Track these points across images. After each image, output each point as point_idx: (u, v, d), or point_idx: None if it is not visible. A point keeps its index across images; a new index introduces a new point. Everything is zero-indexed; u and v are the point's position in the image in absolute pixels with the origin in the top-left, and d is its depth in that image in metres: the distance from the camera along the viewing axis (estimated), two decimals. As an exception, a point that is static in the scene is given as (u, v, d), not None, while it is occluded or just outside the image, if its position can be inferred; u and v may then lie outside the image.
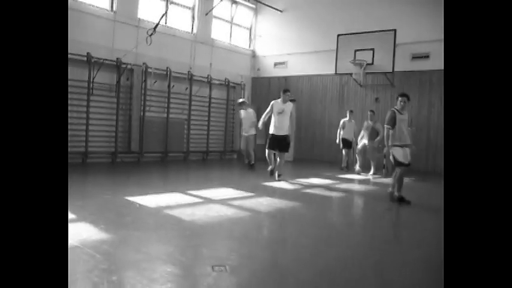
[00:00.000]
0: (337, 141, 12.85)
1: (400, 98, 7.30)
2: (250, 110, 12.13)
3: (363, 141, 11.98)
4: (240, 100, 12.56)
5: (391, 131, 7.20)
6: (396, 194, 7.35)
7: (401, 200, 7.27)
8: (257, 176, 10.47)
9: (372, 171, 11.96)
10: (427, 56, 13.21)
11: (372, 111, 12.05)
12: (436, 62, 12.95)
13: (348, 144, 12.72)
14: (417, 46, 13.30)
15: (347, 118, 12.72)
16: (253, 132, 12.01)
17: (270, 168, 10.23)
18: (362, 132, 12.11)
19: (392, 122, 7.20)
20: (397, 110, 7.25)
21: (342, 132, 12.71)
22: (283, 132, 9.71)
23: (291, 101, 10.05)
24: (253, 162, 11.94)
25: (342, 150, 12.90)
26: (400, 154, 7.20)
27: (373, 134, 11.76)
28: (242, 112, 12.21)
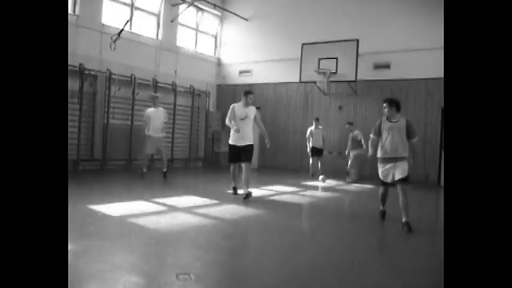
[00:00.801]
0: (308, 150, 13.03)
1: (383, 104, 6.33)
2: (161, 109, 10.92)
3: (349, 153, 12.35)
4: (153, 94, 11.38)
5: (371, 141, 6.51)
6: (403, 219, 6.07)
7: (382, 216, 6.74)
8: (222, 184, 10.46)
9: (350, 179, 12.26)
10: (388, 66, 13.57)
11: (349, 123, 12.57)
12: (397, 72, 13.35)
13: (317, 152, 12.86)
14: (379, 56, 13.64)
15: (313, 126, 12.90)
16: (162, 134, 10.85)
17: (232, 186, 8.66)
18: (348, 144, 12.45)
19: (376, 131, 6.28)
20: (386, 117, 6.28)
21: (311, 141, 12.87)
22: (247, 141, 8.19)
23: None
24: (165, 169, 10.94)
25: (310, 158, 13.06)
26: (379, 170, 6.29)
27: (354, 143, 12.21)
28: (151, 110, 10.72)
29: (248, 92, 8.56)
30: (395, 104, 6.23)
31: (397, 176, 6.02)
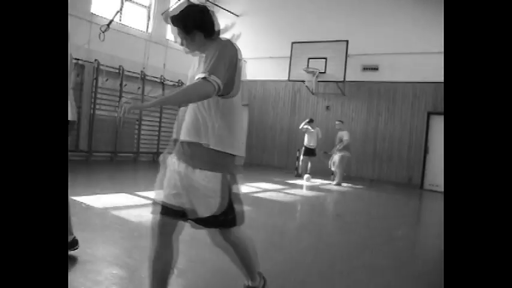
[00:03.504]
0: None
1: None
2: None
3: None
4: None
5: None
6: None
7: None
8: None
9: (336, 181, 12.12)
10: (376, 68, 13.66)
11: (339, 121, 12.35)
12: (385, 74, 13.46)
13: (310, 152, 12.69)
14: (367, 58, 13.73)
15: (308, 126, 12.75)
16: None
17: None
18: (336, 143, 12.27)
19: None
20: None
21: (305, 140, 12.76)
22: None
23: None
24: None
25: (300, 157, 12.98)
26: None
27: (339, 143, 12.03)
28: None
29: None
30: None
31: None
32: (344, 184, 11.99)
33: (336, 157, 11.98)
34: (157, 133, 14.77)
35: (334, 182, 11.95)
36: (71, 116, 3.87)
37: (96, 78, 12.46)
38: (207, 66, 2.36)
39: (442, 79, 11.91)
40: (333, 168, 12.11)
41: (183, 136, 2.56)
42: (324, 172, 13.16)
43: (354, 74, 13.64)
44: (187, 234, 5.02)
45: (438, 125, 12.62)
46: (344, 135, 11.94)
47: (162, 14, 2.69)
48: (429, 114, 12.76)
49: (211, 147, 2.44)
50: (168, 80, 14.94)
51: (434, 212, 9.51)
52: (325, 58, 13.41)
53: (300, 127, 12.90)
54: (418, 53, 12.69)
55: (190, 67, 2.77)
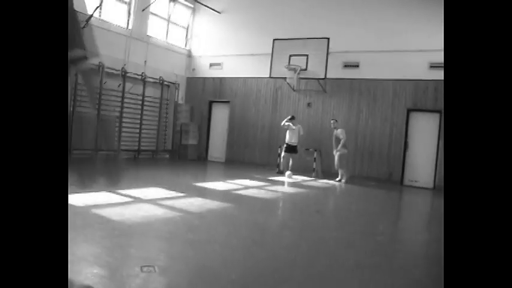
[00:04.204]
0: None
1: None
2: None
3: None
4: None
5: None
6: None
7: None
8: (189, 176, 10.43)
9: (339, 178, 12.15)
10: (357, 65, 13.77)
11: (334, 119, 12.43)
12: (365, 71, 13.57)
13: (291, 149, 12.61)
14: (348, 55, 13.82)
15: (290, 123, 12.69)
16: None
17: None
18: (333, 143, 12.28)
19: None
20: None
21: (287, 137, 12.76)
22: None
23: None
24: None
25: (282, 153, 12.98)
26: None
27: (336, 142, 12.06)
28: None
29: None
30: None
31: None
32: (325, 180, 12.07)
33: (336, 157, 12.03)
34: (138, 131, 14.65)
35: (343, 181, 11.98)
36: None
37: (76, 75, 12.27)
38: None
39: (421, 76, 12.10)
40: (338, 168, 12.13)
41: None
42: (305, 169, 13.24)
43: (335, 71, 13.71)
44: (168, 232, 5.04)
45: (417, 122, 12.79)
46: (340, 133, 11.98)
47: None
48: (409, 111, 12.92)
49: None
50: (149, 77, 14.83)
51: (413, 207, 9.65)
52: (307, 55, 13.45)
53: (282, 124, 12.93)
54: (398, 51, 12.83)
55: None
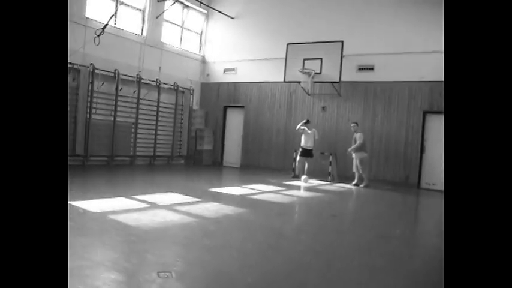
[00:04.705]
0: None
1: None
2: None
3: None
4: None
5: None
6: None
7: None
8: (204, 182, 10.44)
9: (355, 181, 12.09)
10: (371, 68, 13.68)
11: (354, 123, 12.42)
12: (380, 74, 13.47)
13: (307, 153, 12.64)
14: (363, 58, 13.75)
15: (305, 127, 12.70)
16: None
17: None
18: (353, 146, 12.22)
19: None
20: None
21: (302, 141, 12.73)
22: None
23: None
24: None
25: (297, 157, 12.96)
26: None
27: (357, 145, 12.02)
28: None
29: None
30: None
31: None
32: (341, 184, 12.00)
33: (356, 161, 11.97)
34: (153, 137, 14.74)
35: (362, 185, 11.91)
36: None
37: (92, 82, 12.44)
38: None
39: (437, 78, 11.94)
40: (356, 172, 12.06)
41: None
42: (320, 173, 13.17)
43: (350, 75, 13.65)
44: (184, 237, 5.04)
45: (434, 124, 12.64)
46: (358, 137, 11.93)
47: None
48: (425, 113, 12.78)
49: None
50: (163, 83, 14.93)
51: (431, 210, 9.53)
52: (321, 59, 13.41)
53: (297, 128, 12.90)
54: (413, 53, 12.72)
55: None
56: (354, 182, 12.07)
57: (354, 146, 11.91)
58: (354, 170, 12.18)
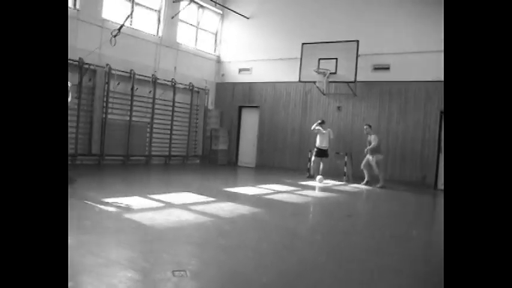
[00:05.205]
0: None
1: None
2: None
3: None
4: None
5: None
6: None
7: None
8: (220, 181, 10.46)
9: (379, 184, 11.94)
10: (387, 68, 13.57)
11: (367, 125, 12.30)
12: (396, 74, 13.35)
13: (322, 153, 12.59)
14: (378, 57, 13.65)
15: (320, 127, 12.68)
16: None
17: None
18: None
19: None
20: None
21: (317, 141, 12.70)
22: None
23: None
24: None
25: (312, 158, 12.93)
26: None
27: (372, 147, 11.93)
28: None
29: None
30: None
31: None
32: (356, 184, 11.93)
33: (372, 162, 11.90)
34: (168, 136, 14.82)
35: (378, 186, 11.80)
36: None
37: (108, 83, 12.56)
38: None
39: (454, 78, 11.81)
40: (365, 170, 12.01)
41: None
42: (335, 173, 13.11)
43: (365, 74, 13.56)
44: (199, 237, 5.05)
45: (451, 124, 12.46)
46: (373, 139, 11.83)
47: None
48: (442, 113, 12.63)
49: None
50: (179, 83, 15.00)
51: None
52: (336, 59, 13.33)
53: (312, 128, 12.86)
54: (429, 52, 12.56)
55: None
56: (364, 181, 12.00)
57: (369, 147, 11.83)
58: (362, 167, 12.11)
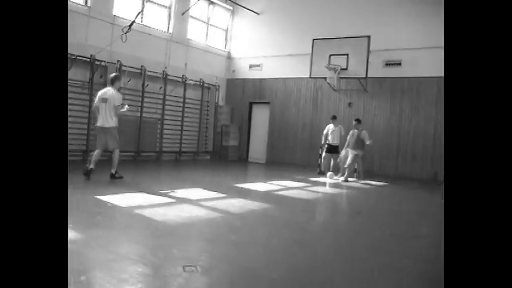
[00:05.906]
0: (323, 146, 12.81)
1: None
2: (113, 92, 8.72)
3: (347, 149, 11.95)
4: (113, 75, 9.12)
5: None
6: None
7: None
8: (230, 177, 10.46)
9: (341, 174, 12.01)
10: (399, 64, 13.47)
11: (357, 120, 12.12)
12: (407, 70, 13.25)
13: (333, 149, 12.50)
14: (390, 53, 13.55)
15: (331, 124, 12.61)
16: (113, 124, 8.86)
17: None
18: (348, 140, 12.05)
19: None
20: None
21: (328, 138, 12.62)
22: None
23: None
24: (113, 170, 8.82)
25: (323, 154, 12.88)
26: None
27: (358, 142, 11.72)
28: (106, 92, 8.65)
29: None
30: None
31: None
32: (367, 181, 11.85)
33: (357, 157, 11.79)
34: (179, 132, 14.86)
35: (341, 179, 11.69)
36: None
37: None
38: None
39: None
40: (346, 166, 11.92)
41: None
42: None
43: (376, 70, 13.46)
44: (210, 232, 5.06)
45: (463, 120, 12.35)
46: (366, 136, 11.66)
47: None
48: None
49: None
50: (189, 79, 15.02)
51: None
52: (347, 54, 13.25)
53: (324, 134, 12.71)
54: (441, 47, 12.44)
55: None
56: (340, 176, 11.88)
57: (367, 143, 11.64)
58: (346, 165, 11.86)
